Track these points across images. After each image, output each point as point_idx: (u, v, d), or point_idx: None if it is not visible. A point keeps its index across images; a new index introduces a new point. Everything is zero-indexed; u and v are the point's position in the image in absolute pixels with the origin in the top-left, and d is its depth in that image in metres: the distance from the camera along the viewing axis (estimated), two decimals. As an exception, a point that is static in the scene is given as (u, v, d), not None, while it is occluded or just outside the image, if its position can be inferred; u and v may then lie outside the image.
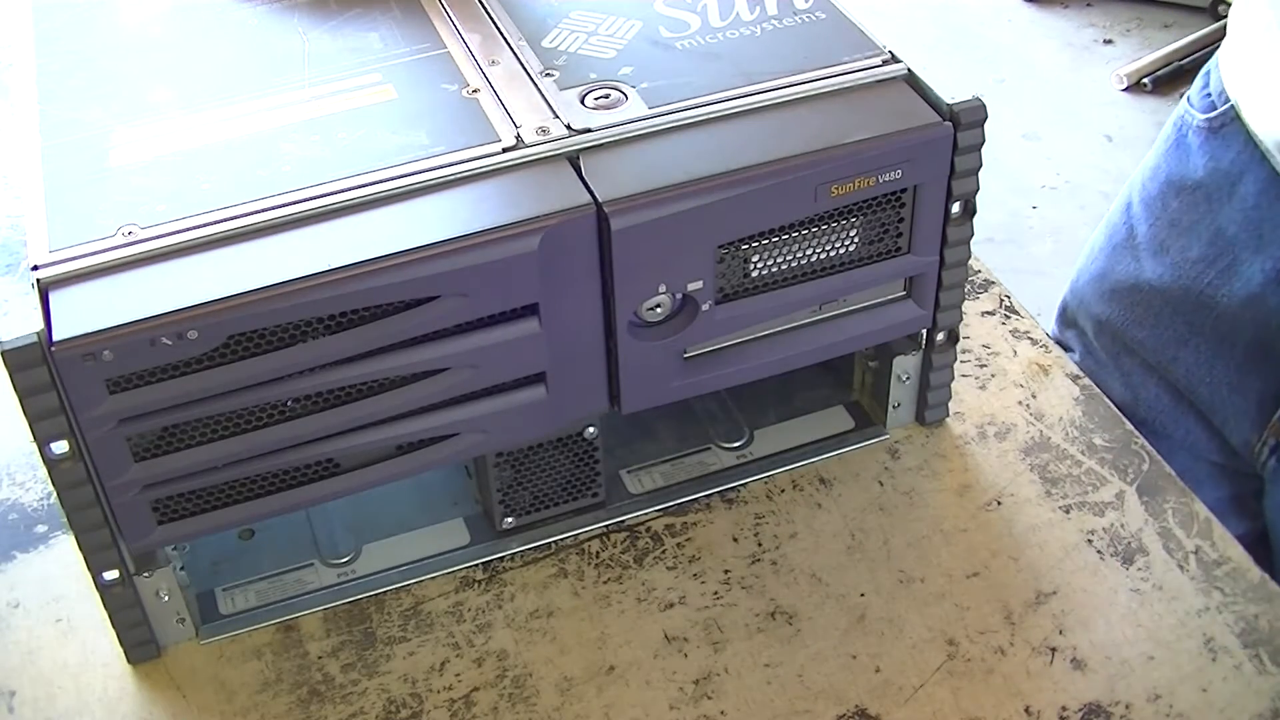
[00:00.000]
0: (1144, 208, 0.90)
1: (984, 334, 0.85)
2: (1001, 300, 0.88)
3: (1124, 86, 2.50)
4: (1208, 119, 0.86)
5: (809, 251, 0.68)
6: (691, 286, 0.66)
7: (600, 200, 0.62)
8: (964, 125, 0.66)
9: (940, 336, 0.75)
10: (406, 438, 0.65)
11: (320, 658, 0.69)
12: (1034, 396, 0.81)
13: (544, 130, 0.65)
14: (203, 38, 0.75)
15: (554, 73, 0.69)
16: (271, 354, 0.60)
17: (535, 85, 0.69)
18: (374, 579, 0.72)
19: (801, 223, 0.67)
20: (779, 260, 0.68)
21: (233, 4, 0.77)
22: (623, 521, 0.75)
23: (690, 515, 0.75)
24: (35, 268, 0.59)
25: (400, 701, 0.67)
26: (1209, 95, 0.87)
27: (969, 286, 0.88)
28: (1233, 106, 0.84)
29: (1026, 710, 0.65)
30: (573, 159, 0.64)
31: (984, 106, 0.67)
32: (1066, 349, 0.98)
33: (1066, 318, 0.99)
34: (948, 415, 0.79)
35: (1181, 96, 0.96)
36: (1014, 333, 0.86)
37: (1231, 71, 0.85)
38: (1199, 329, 0.87)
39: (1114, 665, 0.67)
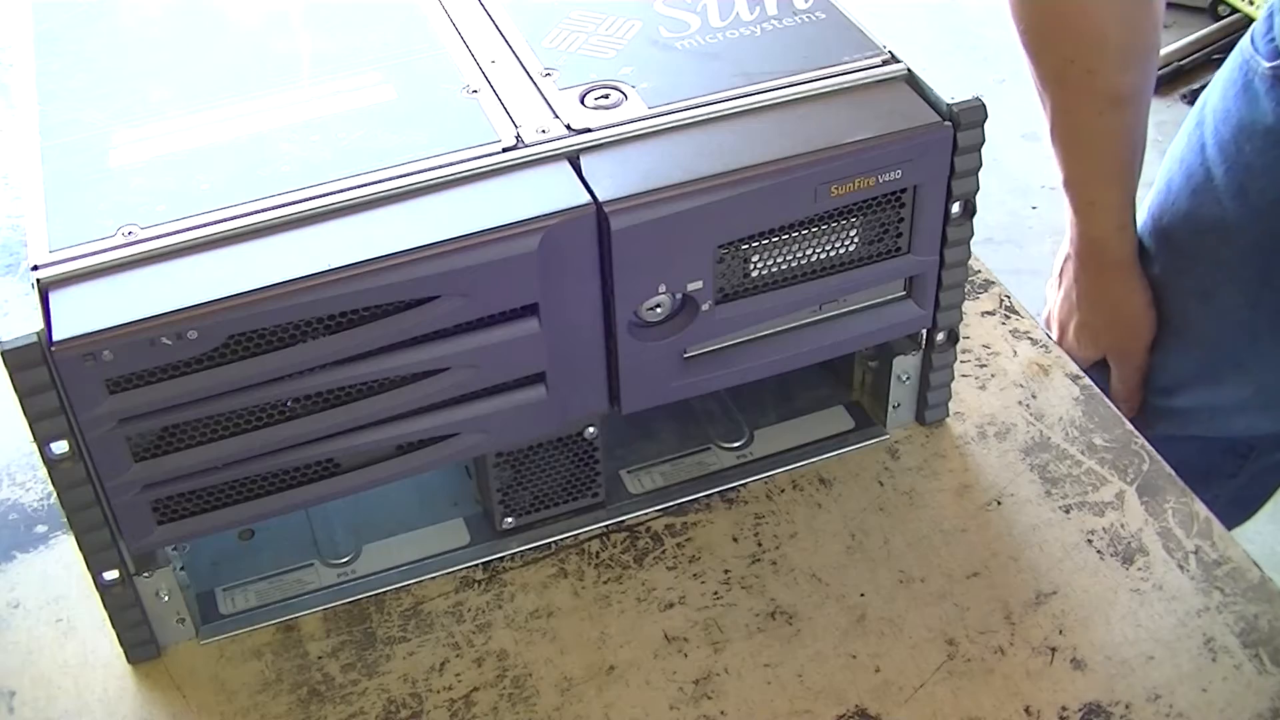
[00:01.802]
0: (1219, 151, 0.92)
1: (984, 334, 0.85)
2: (1001, 300, 0.88)
3: (1124, 87, 2.50)
4: (1272, 67, 0.87)
5: (809, 251, 0.68)
6: (691, 286, 0.66)
7: (600, 200, 0.62)
8: (964, 125, 0.66)
9: (940, 336, 0.75)
10: (407, 438, 0.65)
11: (320, 658, 0.69)
12: (1034, 396, 0.81)
13: (544, 130, 0.65)
14: (203, 38, 0.75)
15: (554, 73, 0.69)
16: (271, 354, 0.60)
17: (535, 85, 0.69)
18: (374, 579, 0.72)
19: (801, 223, 0.67)
20: (779, 260, 0.68)
21: (233, 4, 0.77)
22: (623, 521, 0.75)
23: (690, 515, 0.75)
24: (35, 268, 0.59)
25: (400, 701, 0.67)
26: (1272, 40, 0.87)
27: (969, 286, 0.88)
28: None
29: (1026, 710, 0.65)
30: (572, 159, 0.64)
31: (984, 106, 0.67)
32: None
33: (1157, 249, 1.00)
34: (948, 415, 0.79)
35: (1180, 97, 0.97)
36: (1014, 333, 0.86)
37: None
38: (1278, 269, 0.89)
39: (1114, 665, 0.67)
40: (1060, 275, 1.01)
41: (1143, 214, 0.99)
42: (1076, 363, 0.99)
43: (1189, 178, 0.94)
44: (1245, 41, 0.90)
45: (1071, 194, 0.95)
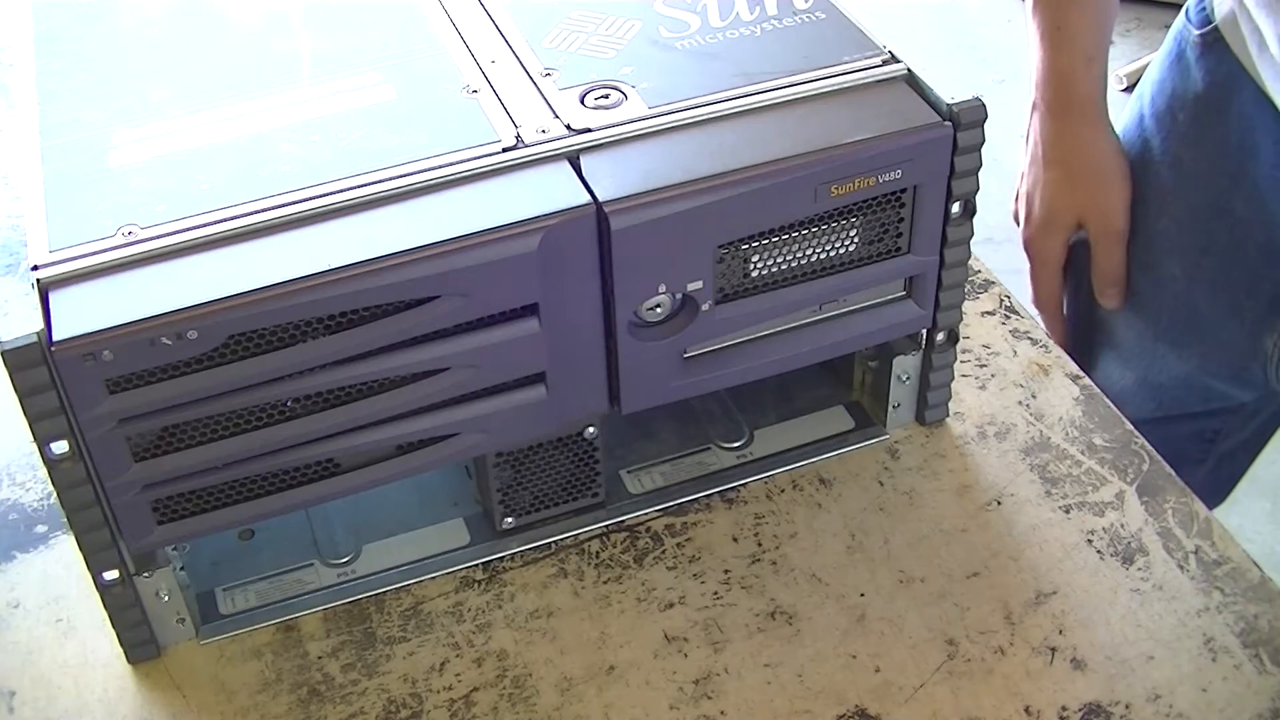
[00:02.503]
0: (1155, 122, 0.92)
1: (984, 334, 0.85)
2: (1001, 300, 0.88)
3: (1124, 87, 2.50)
4: (1201, 34, 0.87)
5: (809, 251, 0.68)
6: (691, 286, 0.66)
7: (600, 200, 0.62)
8: (964, 125, 0.66)
9: (940, 336, 0.75)
10: (406, 438, 0.65)
11: (320, 658, 0.69)
12: (1034, 396, 0.81)
13: (544, 130, 0.65)
14: (203, 38, 0.75)
15: (554, 73, 0.69)
16: (271, 354, 0.60)
17: (535, 85, 0.69)
18: (374, 579, 0.72)
19: (801, 223, 0.67)
20: (779, 260, 0.68)
21: (233, 4, 0.77)
22: (623, 521, 0.75)
23: (690, 515, 0.75)
24: (35, 268, 0.59)
25: (400, 701, 0.67)
26: (1203, 9, 0.88)
27: (969, 286, 0.88)
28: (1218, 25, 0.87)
29: (1026, 710, 0.65)
30: (572, 159, 0.64)
31: (984, 106, 0.67)
32: None
33: None
34: (948, 415, 0.79)
35: None
36: (1014, 333, 0.86)
37: None
38: (1217, 235, 0.89)
39: (1114, 665, 0.67)
40: (1026, 140, 0.96)
41: None
42: (1046, 248, 0.95)
43: (1129, 149, 0.95)
44: (1180, 15, 0.91)
45: (1038, 19, 0.91)
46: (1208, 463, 1.05)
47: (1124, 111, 0.97)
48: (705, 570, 0.72)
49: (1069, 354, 0.84)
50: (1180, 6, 0.93)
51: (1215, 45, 0.87)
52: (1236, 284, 0.91)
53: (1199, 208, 0.90)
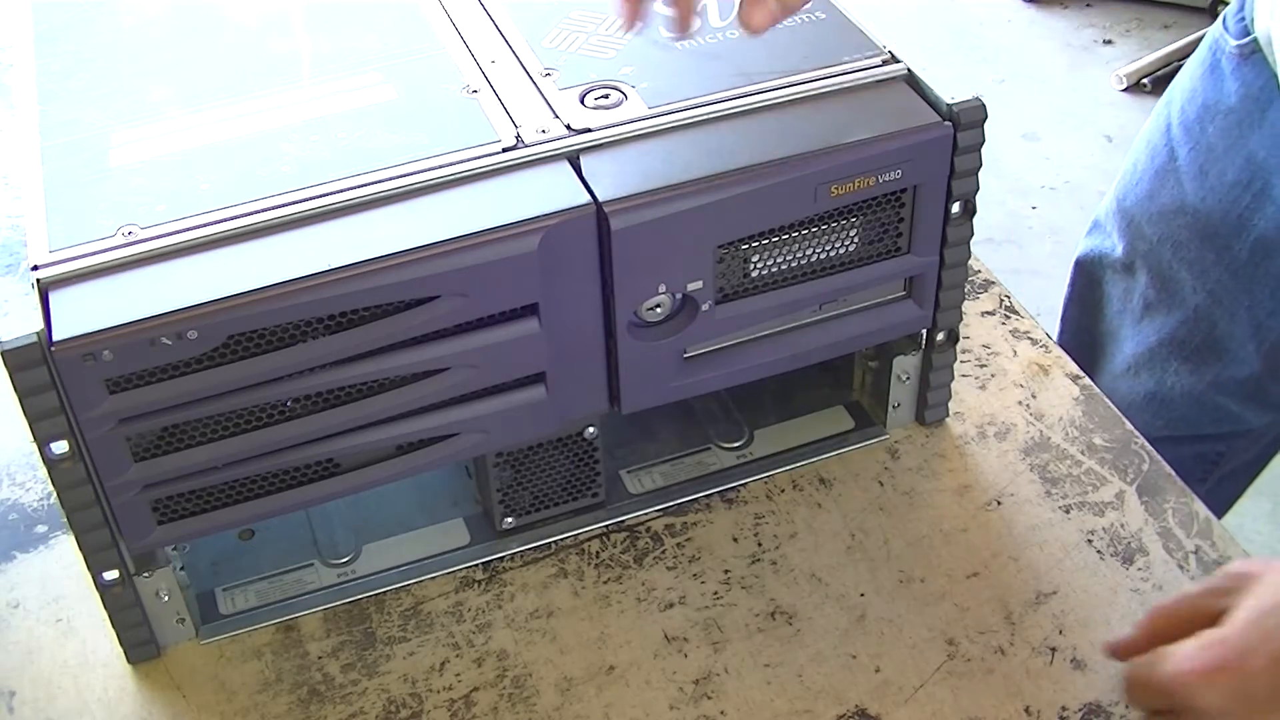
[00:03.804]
0: (1183, 131, 0.91)
1: (984, 334, 0.85)
2: (1001, 300, 0.88)
3: (1123, 87, 2.50)
4: (1239, 45, 0.87)
5: (809, 251, 0.68)
6: (691, 286, 0.66)
7: (600, 200, 0.62)
8: (964, 125, 0.66)
9: (940, 336, 0.75)
10: (406, 438, 0.65)
11: (320, 658, 0.69)
12: (1034, 396, 0.81)
13: (544, 130, 0.65)
14: (203, 38, 0.75)
15: (554, 73, 0.69)
16: (271, 354, 0.60)
17: (535, 85, 0.69)
18: (374, 579, 0.72)
19: (801, 223, 0.67)
20: (779, 260, 0.68)
21: (233, 4, 0.77)
22: (623, 521, 0.75)
23: (690, 515, 0.75)
24: (35, 268, 0.59)
25: (400, 701, 0.67)
26: (1243, 20, 0.87)
27: (969, 286, 0.88)
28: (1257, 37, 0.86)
29: (1026, 710, 0.65)
30: (572, 159, 0.64)
31: (984, 106, 0.67)
32: (1107, 255, 0.98)
33: (1120, 232, 0.98)
34: (948, 415, 0.79)
35: None
36: (1014, 333, 0.86)
37: (1260, 5, 0.86)
38: (1237, 251, 0.89)
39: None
40: None
41: (1109, 198, 0.99)
42: None
43: (1153, 158, 0.94)
44: (1217, 24, 0.90)
45: None
46: (1207, 483, 1.04)
47: (1150, 118, 0.97)
48: (705, 570, 0.72)
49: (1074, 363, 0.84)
50: (1185, 8, 0.93)
51: (1253, 57, 0.86)
52: (1257, 303, 0.90)
53: (1221, 222, 0.89)
